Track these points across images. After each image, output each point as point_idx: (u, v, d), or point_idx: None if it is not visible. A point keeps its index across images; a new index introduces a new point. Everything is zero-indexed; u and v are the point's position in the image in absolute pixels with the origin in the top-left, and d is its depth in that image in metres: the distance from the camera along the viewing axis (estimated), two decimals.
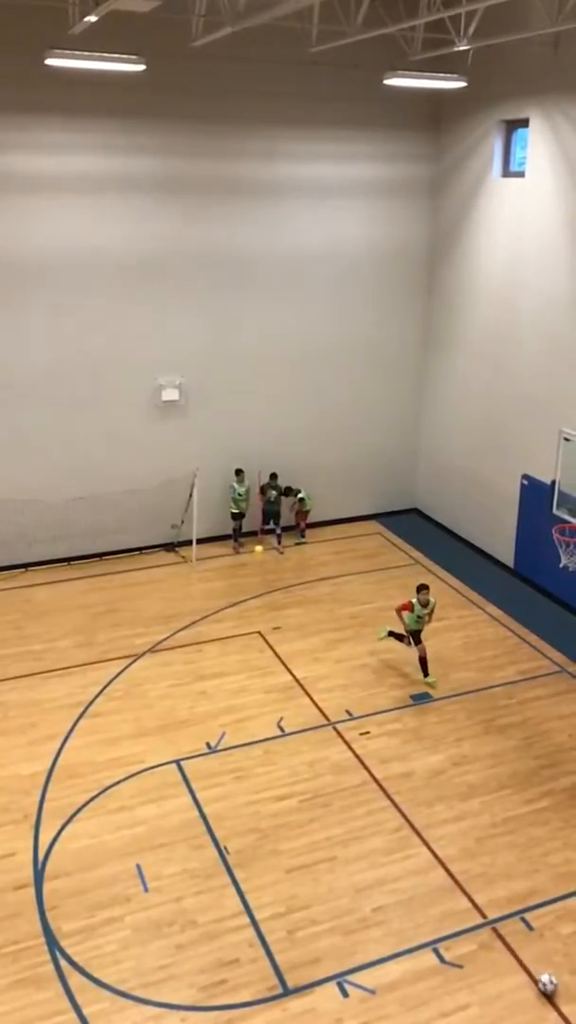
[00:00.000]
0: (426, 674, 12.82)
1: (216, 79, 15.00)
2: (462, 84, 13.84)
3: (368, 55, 14.32)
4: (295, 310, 16.89)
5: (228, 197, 15.80)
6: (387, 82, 13.26)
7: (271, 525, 17.19)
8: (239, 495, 16.87)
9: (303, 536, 17.76)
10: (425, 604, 12.72)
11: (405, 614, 12.74)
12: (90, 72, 13.03)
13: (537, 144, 14.60)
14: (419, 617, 12.72)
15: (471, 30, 12.06)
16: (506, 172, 15.84)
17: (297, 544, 17.55)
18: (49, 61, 11.88)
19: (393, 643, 13.79)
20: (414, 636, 12.87)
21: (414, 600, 12.73)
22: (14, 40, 13.39)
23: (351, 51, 13.61)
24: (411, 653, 13.57)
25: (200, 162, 15.48)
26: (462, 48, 12.31)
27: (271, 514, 17.09)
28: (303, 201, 16.36)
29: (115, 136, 14.79)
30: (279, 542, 17.18)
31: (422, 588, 12.84)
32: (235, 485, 16.85)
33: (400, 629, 13.02)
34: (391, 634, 13.20)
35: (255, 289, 16.48)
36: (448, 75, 13.79)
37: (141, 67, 11.95)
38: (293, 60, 14.68)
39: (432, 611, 12.94)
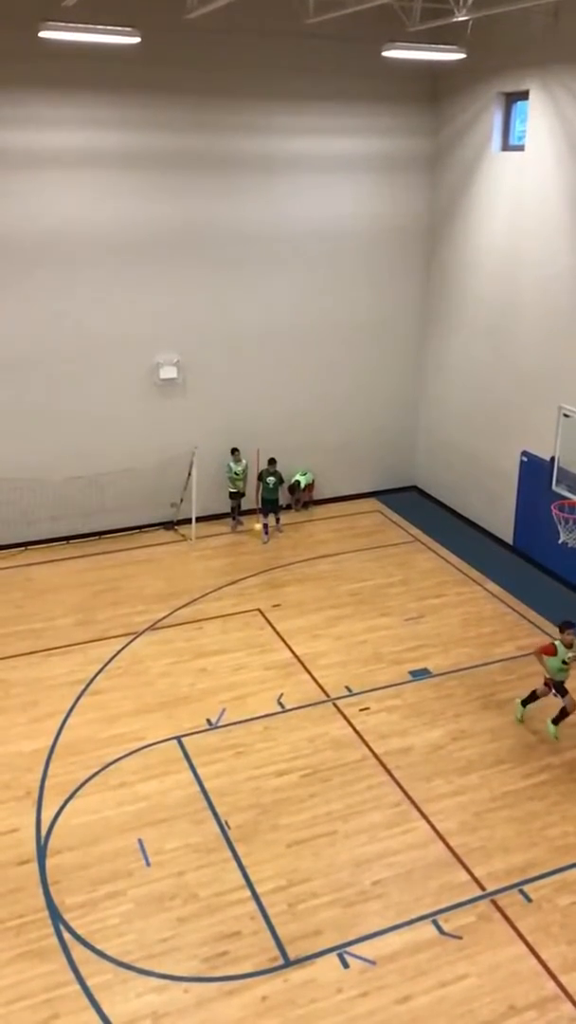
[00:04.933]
0: (556, 722, 11.11)
1: (211, 52, 14.80)
2: (461, 56, 13.65)
3: (366, 26, 14.12)
4: (293, 287, 16.78)
5: (224, 172, 15.64)
6: (385, 54, 13.10)
7: (270, 511, 16.67)
8: (236, 474, 16.83)
9: (306, 507, 17.83)
10: (570, 645, 10.81)
11: (547, 659, 10.89)
12: (84, 45, 12.86)
13: (537, 117, 14.44)
14: (563, 662, 10.84)
15: (470, 0, 11.89)
16: (505, 146, 15.68)
17: (299, 511, 17.73)
18: (43, 34, 11.71)
19: (392, 621, 13.86)
20: (557, 687, 11.03)
21: (556, 641, 10.93)
22: (6, 12, 13.20)
23: (349, 22, 13.43)
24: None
25: (196, 136, 15.31)
26: (461, 19, 12.12)
27: (269, 502, 16.62)
28: (301, 176, 16.20)
29: (109, 110, 14.62)
30: (277, 522, 17.11)
31: (567, 627, 10.87)
32: (231, 464, 16.80)
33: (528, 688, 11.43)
34: (525, 703, 11.32)
35: (253, 266, 16.36)
36: (447, 47, 13.60)
37: (135, 40, 11.79)
38: (290, 32, 14.48)
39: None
